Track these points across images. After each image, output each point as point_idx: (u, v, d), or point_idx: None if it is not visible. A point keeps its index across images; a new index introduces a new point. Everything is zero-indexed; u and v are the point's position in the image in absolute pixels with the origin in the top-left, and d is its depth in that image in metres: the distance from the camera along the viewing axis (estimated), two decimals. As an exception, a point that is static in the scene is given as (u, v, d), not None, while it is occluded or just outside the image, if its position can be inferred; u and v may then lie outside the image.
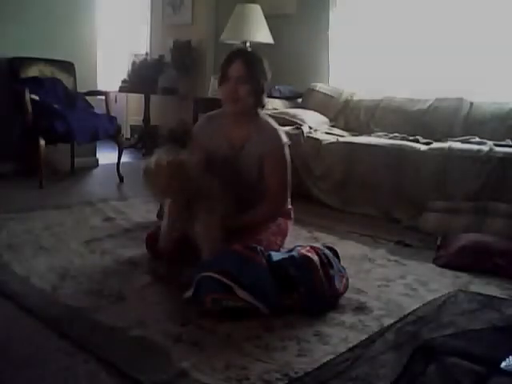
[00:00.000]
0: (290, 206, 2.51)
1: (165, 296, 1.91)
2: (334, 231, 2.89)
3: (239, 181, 2.25)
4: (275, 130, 2.29)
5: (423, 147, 3.23)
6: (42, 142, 3.66)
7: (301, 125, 3.82)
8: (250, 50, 2.29)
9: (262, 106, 2.30)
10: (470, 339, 1.58)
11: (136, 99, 6.30)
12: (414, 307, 1.86)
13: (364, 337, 1.63)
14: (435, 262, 2.44)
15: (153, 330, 1.63)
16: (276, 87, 4.47)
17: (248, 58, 2.18)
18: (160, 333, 1.61)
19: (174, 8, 5.84)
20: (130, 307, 1.81)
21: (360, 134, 3.89)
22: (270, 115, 4.00)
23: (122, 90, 5.88)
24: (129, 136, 6.37)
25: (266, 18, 4.62)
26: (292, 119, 3.92)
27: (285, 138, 2.28)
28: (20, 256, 2.26)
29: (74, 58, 4.39)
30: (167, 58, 5.65)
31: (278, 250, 2.20)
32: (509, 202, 2.80)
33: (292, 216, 2.50)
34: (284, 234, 2.37)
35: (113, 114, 4.25)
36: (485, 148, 3.01)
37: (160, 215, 2.85)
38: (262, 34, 4.56)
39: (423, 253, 2.57)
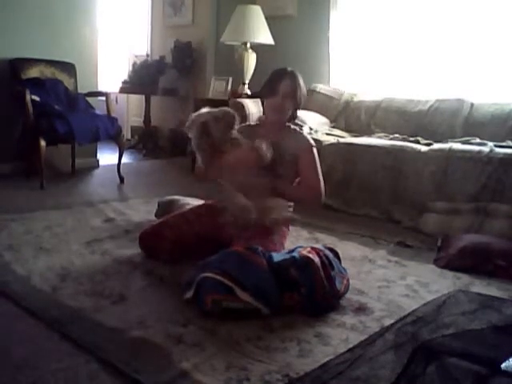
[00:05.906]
0: None
1: (165, 297, 1.91)
2: (334, 232, 2.90)
3: (277, 175, 2.41)
4: (304, 135, 2.59)
5: (424, 148, 3.23)
6: (43, 143, 3.66)
7: (301, 126, 3.81)
8: (290, 69, 2.54)
9: (295, 118, 2.61)
10: (470, 339, 1.58)
11: (136, 100, 6.32)
12: (415, 308, 1.85)
13: (365, 338, 1.63)
14: (436, 263, 2.44)
15: (153, 330, 1.63)
16: (276, 88, 4.48)
17: (295, 78, 2.47)
18: (161, 333, 1.61)
19: (174, 9, 5.85)
20: (131, 308, 1.81)
21: (360, 134, 3.89)
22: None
23: (122, 90, 5.89)
24: (129, 137, 6.38)
25: (267, 18, 4.62)
26: (292, 120, 3.92)
27: (313, 142, 2.53)
28: (20, 256, 2.26)
29: (74, 58, 4.40)
30: (168, 58, 5.66)
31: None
32: (509, 202, 2.80)
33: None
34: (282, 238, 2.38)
35: (113, 114, 4.24)
36: (485, 149, 3.01)
37: (158, 214, 2.86)
38: (262, 35, 4.56)
39: (424, 254, 2.57)
